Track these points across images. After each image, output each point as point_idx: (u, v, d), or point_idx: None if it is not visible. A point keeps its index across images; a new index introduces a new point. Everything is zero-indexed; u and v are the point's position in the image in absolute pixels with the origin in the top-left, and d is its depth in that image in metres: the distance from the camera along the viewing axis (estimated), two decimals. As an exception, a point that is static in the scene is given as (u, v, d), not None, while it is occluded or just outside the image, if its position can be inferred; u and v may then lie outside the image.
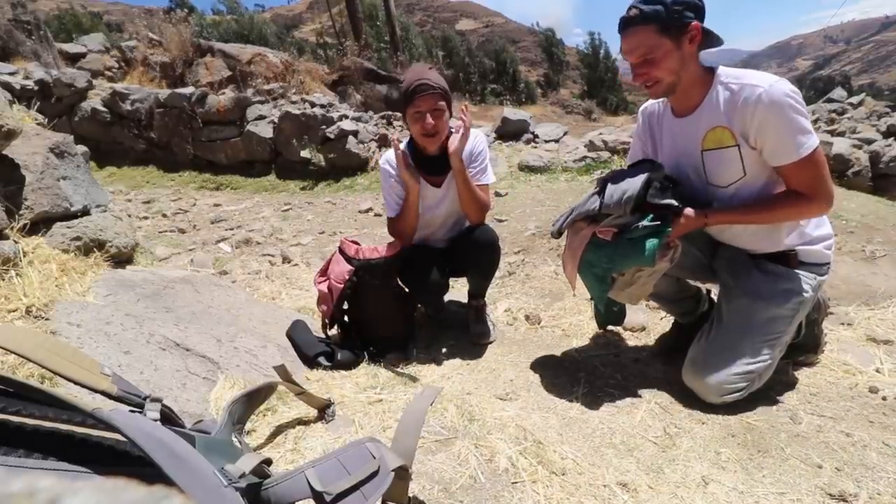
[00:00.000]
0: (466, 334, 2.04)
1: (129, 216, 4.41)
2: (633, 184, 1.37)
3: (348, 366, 1.70)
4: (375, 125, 6.25)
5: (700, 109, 1.37)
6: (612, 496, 1.09)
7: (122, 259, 1.83)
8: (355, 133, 5.72)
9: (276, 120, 5.87)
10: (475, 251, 1.87)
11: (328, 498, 0.70)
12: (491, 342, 1.99)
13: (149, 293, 1.62)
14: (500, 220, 3.68)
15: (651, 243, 1.34)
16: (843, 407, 1.41)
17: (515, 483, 1.09)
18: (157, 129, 6.16)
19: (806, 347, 1.62)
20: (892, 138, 4.99)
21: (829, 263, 1.44)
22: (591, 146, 5.26)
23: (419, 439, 0.93)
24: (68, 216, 1.73)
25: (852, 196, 4.08)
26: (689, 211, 1.37)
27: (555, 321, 2.16)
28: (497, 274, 2.19)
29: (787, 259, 1.42)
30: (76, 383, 0.71)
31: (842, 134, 5.22)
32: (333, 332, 1.90)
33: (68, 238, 1.65)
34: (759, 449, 1.26)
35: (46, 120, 2.31)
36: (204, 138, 6.12)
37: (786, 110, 1.22)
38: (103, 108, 6.14)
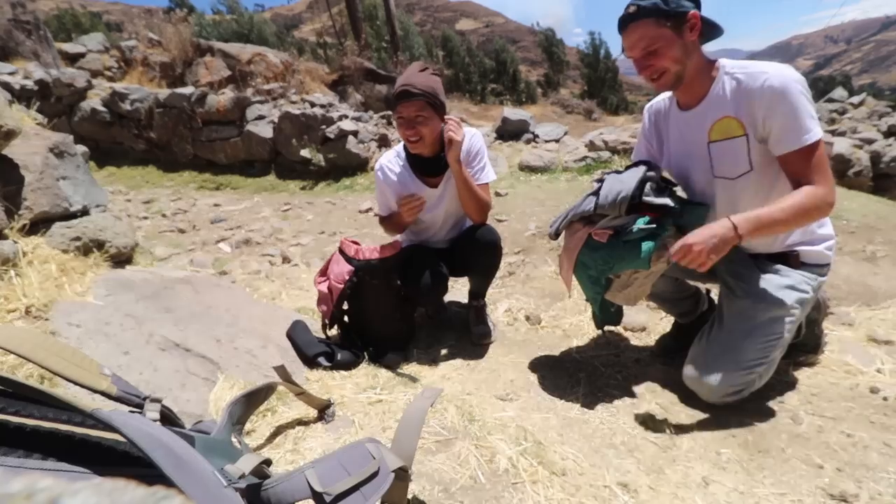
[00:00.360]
0: (467, 335, 2.04)
1: (129, 216, 4.43)
2: (628, 184, 1.37)
3: (348, 366, 1.70)
4: (375, 125, 6.24)
5: (706, 101, 1.37)
6: (613, 497, 1.09)
7: (121, 259, 1.83)
8: (355, 133, 5.72)
9: (275, 120, 5.87)
10: (477, 251, 1.87)
11: (328, 498, 0.70)
12: (491, 342, 1.99)
13: (148, 293, 1.62)
14: (500, 220, 3.68)
15: (647, 246, 1.33)
16: (843, 407, 1.41)
17: (516, 483, 1.09)
18: (157, 128, 6.16)
19: (806, 348, 1.62)
20: (892, 138, 4.99)
21: (829, 264, 1.44)
22: (591, 146, 5.25)
23: (419, 440, 0.93)
24: (68, 216, 1.73)
25: (853, 196, 4.08)
26: (714, 228, 1.23)
27: (555, 321, 2.16)
28: (497, 274, 2.19)
29: (789, 259, 1.42)
30: (76, 384, 0.71)
31: (842, 134, 5.22)
32: (333, 332, 1.90)
33: (68, 238, 1.65)
34: (760, 449, 1.26)
35: (46, 120, 2.31)
36: (204, 138, 6.11)
37: (795, 95, 1.22)
38: (103, 108, 6.13)
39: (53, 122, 2.49)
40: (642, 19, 1.28)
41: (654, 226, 1.33)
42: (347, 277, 1.75)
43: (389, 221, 1.95)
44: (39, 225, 1.61)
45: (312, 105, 6.09)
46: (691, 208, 1.41)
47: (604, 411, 1.47)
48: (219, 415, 1.09)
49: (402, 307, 1.96)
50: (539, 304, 2.36)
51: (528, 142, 5.71)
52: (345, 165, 5.66)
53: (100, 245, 1.73)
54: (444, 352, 1.96)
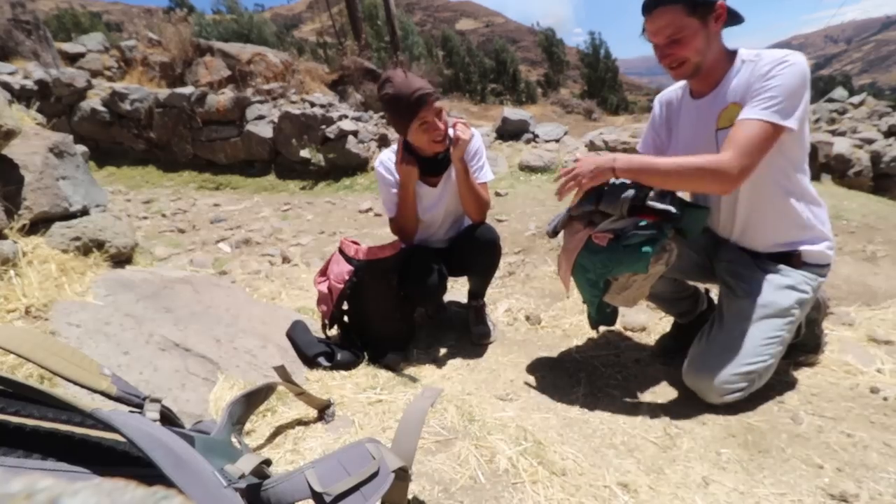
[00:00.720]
0: (467, 335, 2.04)
1: (129, 216, 4.42)
2: (632, 185, 1.37)
3: (348, 366, 1.70)
4: (375, 125, 6.24)
5: (718, 88, 1.36)
6: (613, 497, 1.09)
7: (121, 259, 1.83)
8: (355, 133, 5.72)
9: (275, 120, 5.87)
10: (476, 250, 1.87)
11: (328, 499, 0.70)
12: (491, 342, 1.99)
13: (148, 293, 1.62)
14: (500, 220, 3.68)
15: (646, 250, 1.34)
16: (843, 407, 1.41)
17: (516, 484, 1.09)
18: (157, 128, 6.15)
19: (806, 348, 1.62)
20: (892, 138, 5.00)
21: (829, 265, 1.44)
22: (591, 146, 5.26)
23: (419, 440, 0.93)
24: (67, 216, 1.72)
25: (853, 196, 4.08)
26: (598, 157, 1.37)
27: (555, 321, 2.16)
28: (497, 274, 2.19)
29: (790, 259, 1.42)
30: (75, 383, 0.71)
31: (843, 134, 5.22)
32: (333, 332, 1.90)
33: (67, 238, 1.65)
34: (760, 449, 1.26)
35: (46, 119, 2.31)
36: (203, 138, 6.11)
37: (793, 76, 1.21)
38: (103, 108, 6.13)
39: (53, 122, 2.48)
40: (671, 5, 1.26)
41: (653, 231, 1.33)
42: (347, 277, 1.75)
43: (399, 220, 1.90)
44: (39, 225, 1.61)
45: (312, 105, 6.09)
46: (691, 211, 1.41)
47: (604, 411, 1.47)
48: (219, 415, 1.09)
49: (402, 307, 1.96)
50: (539, 304, 2.36)
51: (528, 142, 5.71)
52: (345, 165, 5.66)
53: (100, 245, 1.73)
54: (444, 352, 1.96)
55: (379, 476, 0.75)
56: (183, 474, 0.55)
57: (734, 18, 1.34)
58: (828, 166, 4.80)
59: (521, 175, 4.95)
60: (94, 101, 6.15)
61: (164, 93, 6.25)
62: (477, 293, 2.05)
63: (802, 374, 1.59)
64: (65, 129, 2.24)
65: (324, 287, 1.81)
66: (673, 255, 1.41)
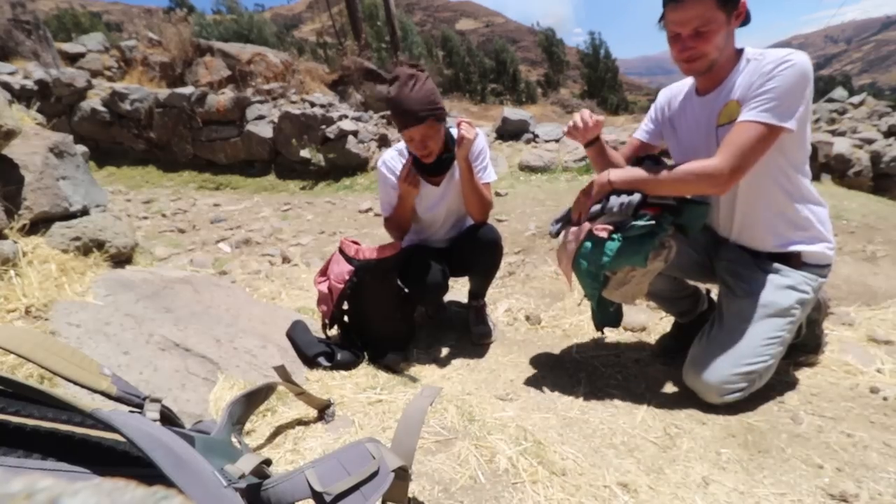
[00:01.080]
0: (467, 335, 2.04)
1: (129, 216, 4.42)
2: (635, 195, 1.37)
3: (348, 366, 1.70)
4: (375, 125, 6.24)
5: (722, 86, 1.36)
6: (613, 497, 1.09)
7: (121, 259, 1.83)
8: (355, 133, 5.72)
9: (275, 120, 5.87)
10: (478, 250, 1.87)
11: (328, 498, 0.70)
12: (491, 342, 1.99)
13: (148, 293, 1.62)
14: (500, 220, 3.68)
15: (645, 244, 1.34)
16: (843, 407, 1.41)
17: (516, 483, 1.09)
18: (157, 128, 6.16)
19: (806, 348, 1.62)
20: (892, 138, 5.00)
21: (830, 265, 1.44)
22: (591, 146, 5.25)
23: (419, 440, 0.93)
24: (67, 216, 1.72)
25: (853, 196, 4.08)
26: (597, 178, 1.42)
27: (555, 321, 2.16)
28: (497, 274, 2.19)
29: (790, 259, 1.42)
30: (75, 383, 0.71)
31: (843, 134, 5.22)
32: (333, 332, 1.90)
33: (68, 238, 1.65)
34: (760, 449, 1.26)
35: (46, 119, 2.31)
36: (203, 138, 6.11)
37: (793, 76, 1.20)
38: (103, 108, 6.13)
39: (53, 122, 2.48)
40: None
41: (653, 222, 1.33)
42: (347, 277, 1.75)
43: (393, 221, 1.93)
44: (39, 225, 1.61)
45: (312, 105, 6.09)
46: (691, 207, 1.41)
47: (604, 411, 1.47)
48: (219, 415, 1.09)
49: (402, 307, 1.96)
50: (539, 304, 2.36)
51: (528, 142, 5.71)
52: (345, 165, 5.66)
53: (100, 245, 1.73)
54: (444, 352, 1.96)
55: (379, 476, 0.75)
56: (183, 474, 0.55)
57: (745, 19, 1.34)
58: (828, 166, 4.80)
59: (521, 175, 4.96)
60: (94, 101, 6.15)
61: (164, 93, 6.25)
62: (477, 293, 2.05)
63: (802, 374, 1.59)
64: (65, 129, 2.24)
65: (324, 287, 1.81)
66: (672, 251, 1.41)
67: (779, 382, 1.52)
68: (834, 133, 5.28)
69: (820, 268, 1.42)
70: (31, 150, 1.67)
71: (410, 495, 1.00)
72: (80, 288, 1.48)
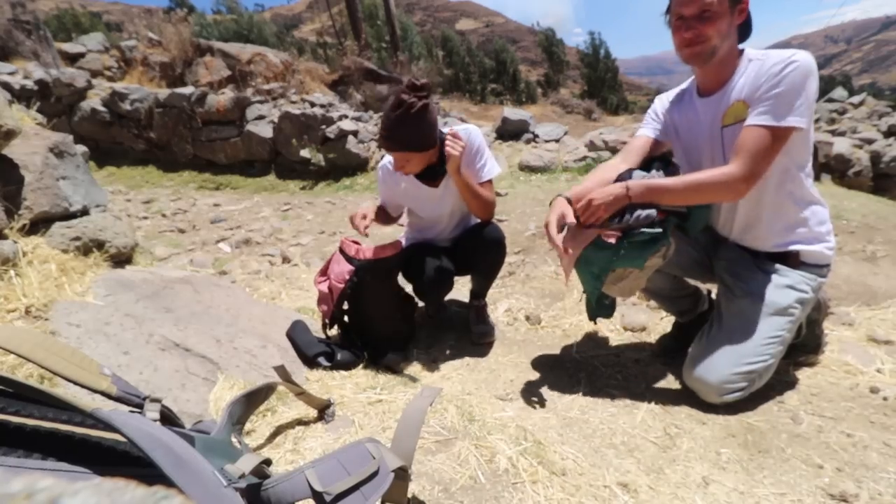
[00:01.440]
0: (467, 335, 2.04)
1: (129, 216, 4.42)
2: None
3: (348, 366, 1.70)
4: (375, 125, 6.24)
5: (726, 86, 1.37)
6: (613, 497, 1.09)
7: (121, 259, 1.83)
8: (355, 133, 5.72)
9: (275, 120, 5.87)
10: (482, 249, 1.88)
11: (328, 498, 0.70)
12: (492, 342, 1.99)
13: (148, 293, 1.62)
14: (501, 220, 3.68)
15: (649, 249, 1.35)
16: (843, 407, 1.41)
17: (516, 483, 1.09)
18: (157, 128, 6.16)
19: (806, 348, 1.62)
20: (892, 138, 5.00)
21: (829, 265, 1.44)
22: (591, 146, 5.25)
23: (419, 440, 0.93)
24: (68, 216, 1.72)
25: (853, 196, 4.08)
26: (611, 188, 1.36)
27: (555, 321, 2.16)
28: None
29: (789, 259, 1.42)
30: (75, 383, 0.71)
31: (842, 134, 5.23)
32: (333, 332, 1.90)
33: (68, 238, 1.65)
34: (760, 449, 1.26)
35: (46, 120, 2.31)
36: (203, 138, 6.11)
37: (799, 76, 1.22)
38: (103, 108, 6.13)
39: (53, 122, 2.48)
40: None
41: (660, 230, 1.34)
42: (348, 277, 1.75)
43: (381, 211, 1.97)
44: (39, 225, 1.61)
45: (312, 105, 6.09)
46: (697, 210, 1.41)
47: (604, 411, 1.47)
48: (219, 415, 1.09)
49: (402, 307, 1.96)
50: (539, 304, 2.36)
51: (528, 142, 5.71)
52: (345, 165, 5.66)
53: (100, 245, 1.73)
54: (444, 352, 1.96)
55: (379, 475, 0.75)
56: (183, 474, 0.55)
57: (746, 30, 1.36)
58: (828, 166, 4.80)
59: (521, 175, 4.96)
60: (94, 101, 6.16)
61: (164, 93, 6.25)
62: (479, 293, 2.05)
63: (802, 374, 1.59)
64: (65, 129, 2.24)
65: (324, 287, 1.81)
66: (671, 249, 1.41)
67: (779, 382, 1.52)
68: (834, 133, 5.28)
69: (818, 268, 1.42)
70: (31, 150, 1.67)
71: (410, 495, 1.01)
72: (80, 288, 1.48)
